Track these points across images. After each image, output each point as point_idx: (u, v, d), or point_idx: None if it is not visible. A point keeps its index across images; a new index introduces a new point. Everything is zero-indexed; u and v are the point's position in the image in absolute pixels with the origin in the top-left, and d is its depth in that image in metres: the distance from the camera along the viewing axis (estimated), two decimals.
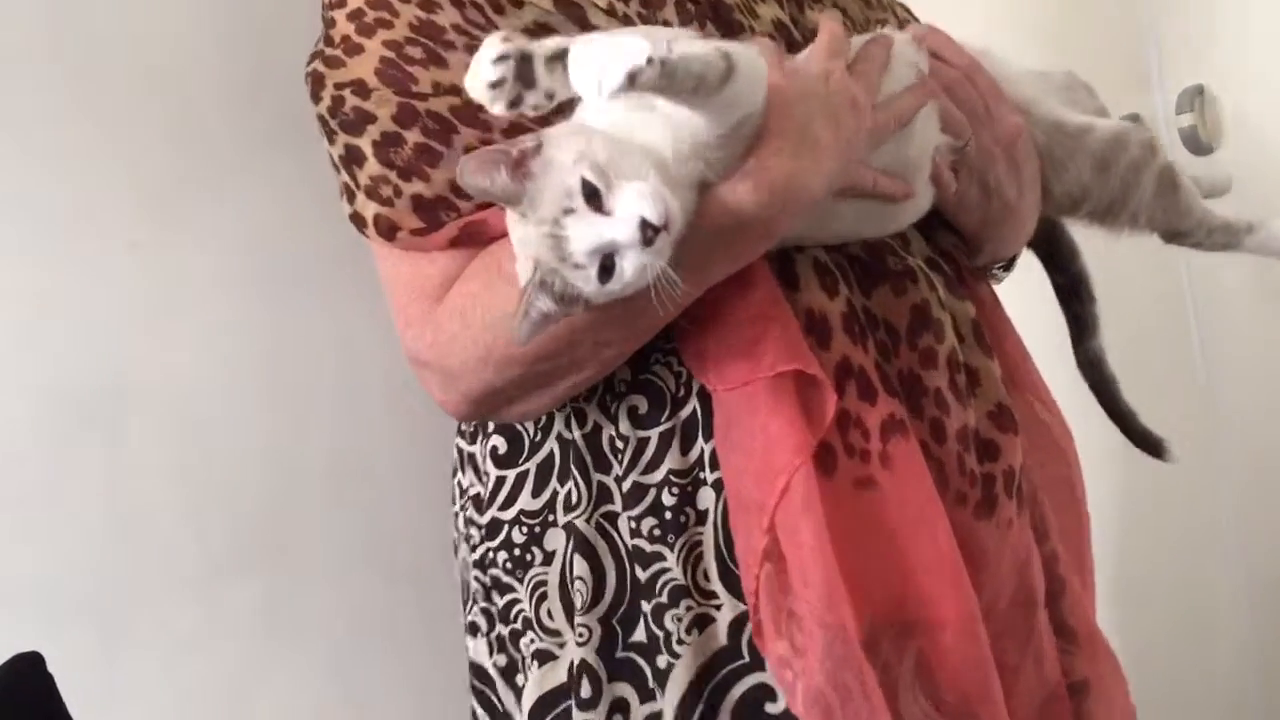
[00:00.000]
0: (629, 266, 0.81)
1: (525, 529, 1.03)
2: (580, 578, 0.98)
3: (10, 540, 1.59)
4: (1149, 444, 1.31)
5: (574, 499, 0.99)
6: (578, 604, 0.99)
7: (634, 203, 0.80)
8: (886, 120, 0.98)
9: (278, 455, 1.81)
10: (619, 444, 0.99)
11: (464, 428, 1.12)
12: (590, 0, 1.00)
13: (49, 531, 1.62)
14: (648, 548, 0.97)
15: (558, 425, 1.02)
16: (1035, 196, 1.13)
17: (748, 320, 0.94)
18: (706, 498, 0.97)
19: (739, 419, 0.93)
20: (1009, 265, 1.26)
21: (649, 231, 0.80)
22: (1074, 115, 1.17)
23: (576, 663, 0.98)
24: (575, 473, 0.99)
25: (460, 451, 1.12)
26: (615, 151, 0.83)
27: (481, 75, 0.77)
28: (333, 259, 1.77)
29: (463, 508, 1.11)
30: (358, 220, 0.98)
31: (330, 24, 0.99)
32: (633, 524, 0.98)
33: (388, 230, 0.96)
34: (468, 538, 1.09)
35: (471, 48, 0.90)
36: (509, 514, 1.04)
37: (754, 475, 0.92)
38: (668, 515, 0.97)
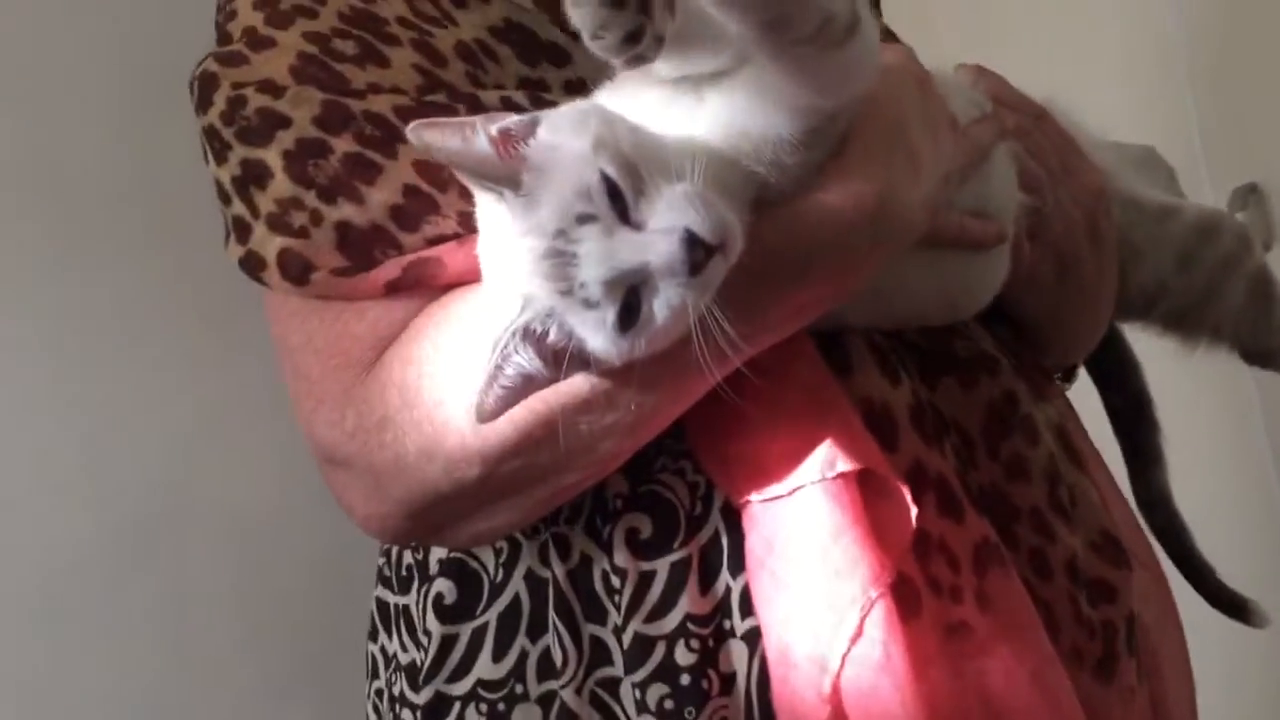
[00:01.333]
0: (664, 304, 0.57)
1: (485, 707, 0.74)
2: None
3: (68, 659, 1.64)
4: (1232, 606, 1.06)
5: (557, 660, 0.72)
6: None
7: (676, 210, 0.57)
8: (973, 155, 0.75)
9: (335, 575, 1.82)
10: (615, 581, 0.72)
11: (387, 569, 0.83)
12: None
13: (108, 651, 1.66)
14: None
15: (526, 559, 0.74)
16: (1115, 279, 0.90)
17: (791, 408, 0.70)
18: (736, 655, 0.71)
19: (784, 540, 0.68)
20: (1069, 375, 1.01)
21: (698, 252, 0.56)
22: (1156, 194, 0.97)
23: None
24: (557, 624, 0.72)
25: (383, 606, 0.83)
26: (649, 142, 0.59)
27: None
28: None
29: (389, 683, 0.81)
30: (253, 262, 0.70)
31: (229, 16, 0.75)
32: (637, 693, 0.70)
33: (299, 271, 0.69)
34: None
35: (423, 46, 0.70)
36: (461, 687, 0.74)
37: (808, 618, 0.67)
38: (684, 680, 0.70)
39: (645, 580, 0.71)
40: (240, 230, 0.71)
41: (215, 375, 1.81)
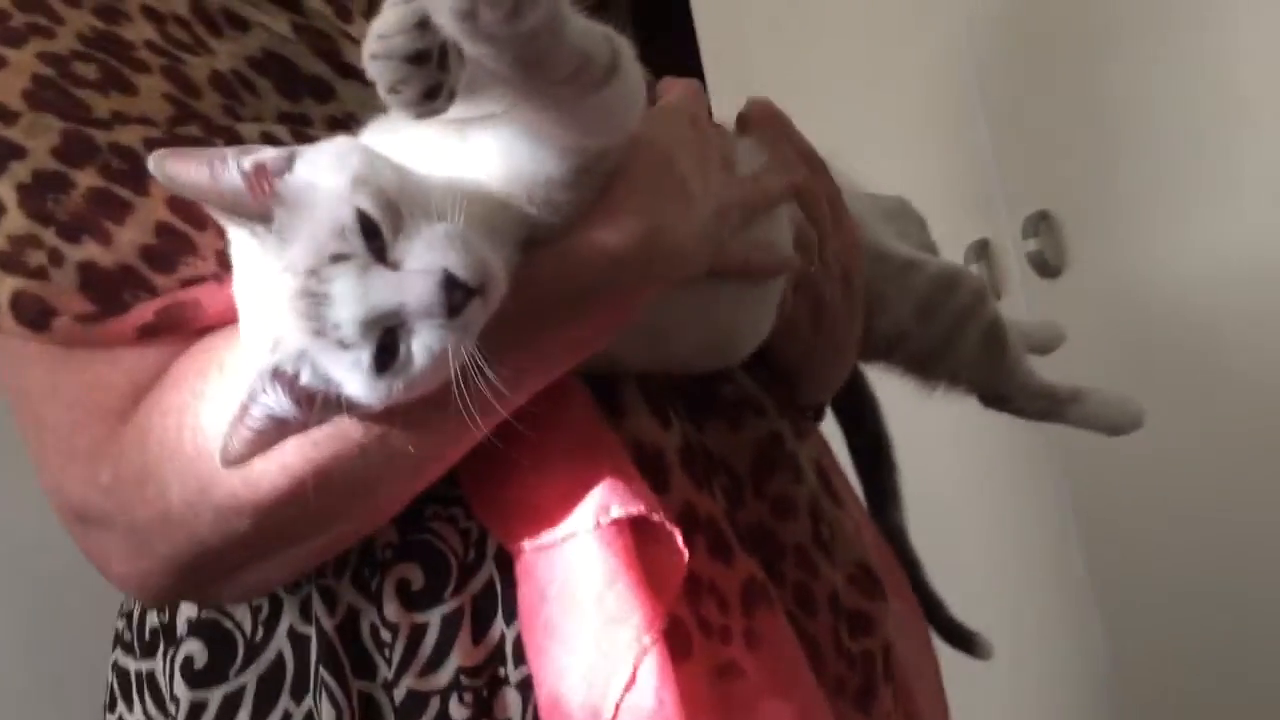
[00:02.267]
0: (423, 346, 0.56)
1: None
2: None
3: None
4: (960, 638, 1.09)
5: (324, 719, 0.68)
6: None
7: (435, 250, 0.56)
8: (755, 196, 0.77)
9: None
10: (385, 635, 0.69)
11: (128, 633, 0.77)
12: (341, 30, 0.75)
13: None
14: None
15: (288, 615, 0.71)
16: (860, 329, 0.94)
17: (562, 452, 0.69)
18: (510, 703, 0.69)
19: (558, 588, 0.67)
20: (817, 415, 1.03)
21: (456, 294, 0.55)
22: (902, 247, 1.03)
23: None
24: (326, 681, 0.69)
25: (123, 674, 0.77)
26: (413, 181, 0.59)
27: (400, 42, 0.52)
28: None
29: None
30: None
31: None
32: None
33: (37, 316, 0.63)
34: None
35: (174, 74, 0.66)
36: None
37: (582, 667, 0.66)
38: None
39: (418, 633, 0.69)
40: None
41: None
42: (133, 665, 0.76)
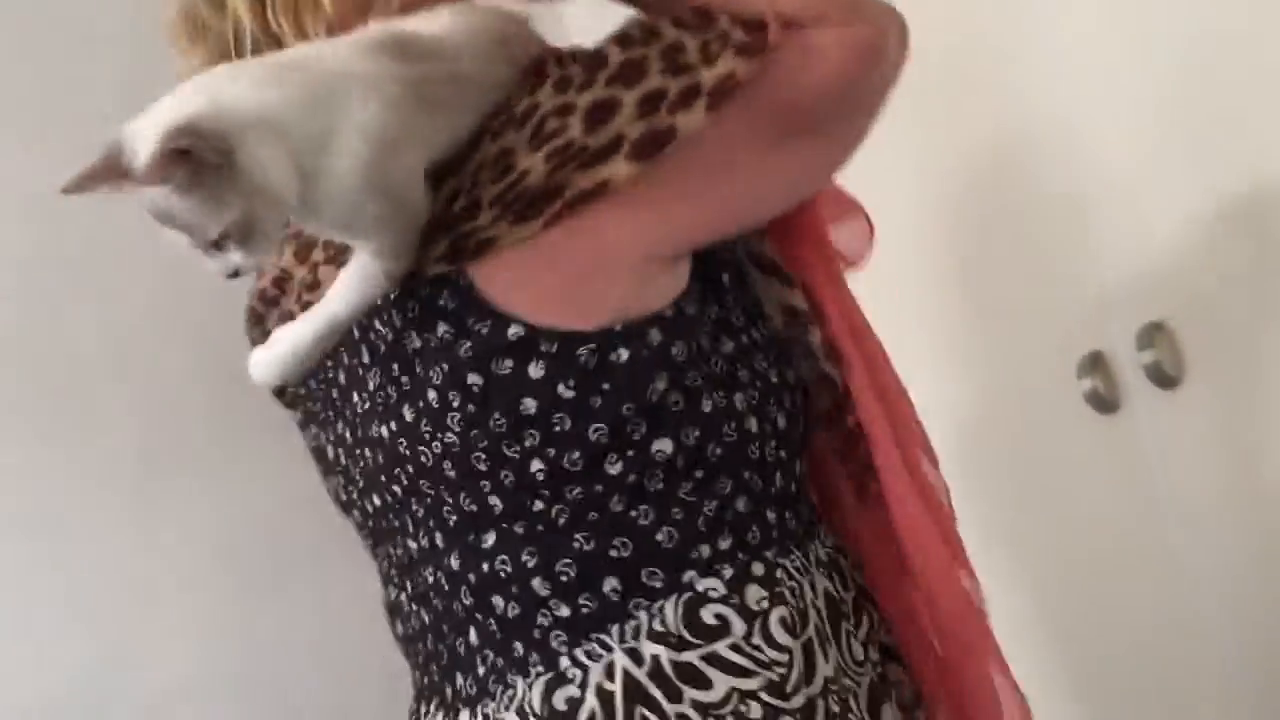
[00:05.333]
0: None
1: (836, 699, 0.98)
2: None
3: None
4: None
5: (857, 654, 1.02)
6: None
7: None
8: None
9: None
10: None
11: (704, 627, 0.95)
12: None
13: None
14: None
15: (821, 581, 1.02)
16: None
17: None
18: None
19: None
20: None
21: None
22: None
23: None
24: (857, 613, 1.04)
25: (719, 659, 0.94)
26: None
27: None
28: (318, 554, 1.67)
29: (741, 706, 0.93)
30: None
31: None
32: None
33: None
34: None
35: None
36: (815, 688, 0.96)
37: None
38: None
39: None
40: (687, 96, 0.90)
41: (133, 546, 1.76)
42: (730, 640, 0.95)
